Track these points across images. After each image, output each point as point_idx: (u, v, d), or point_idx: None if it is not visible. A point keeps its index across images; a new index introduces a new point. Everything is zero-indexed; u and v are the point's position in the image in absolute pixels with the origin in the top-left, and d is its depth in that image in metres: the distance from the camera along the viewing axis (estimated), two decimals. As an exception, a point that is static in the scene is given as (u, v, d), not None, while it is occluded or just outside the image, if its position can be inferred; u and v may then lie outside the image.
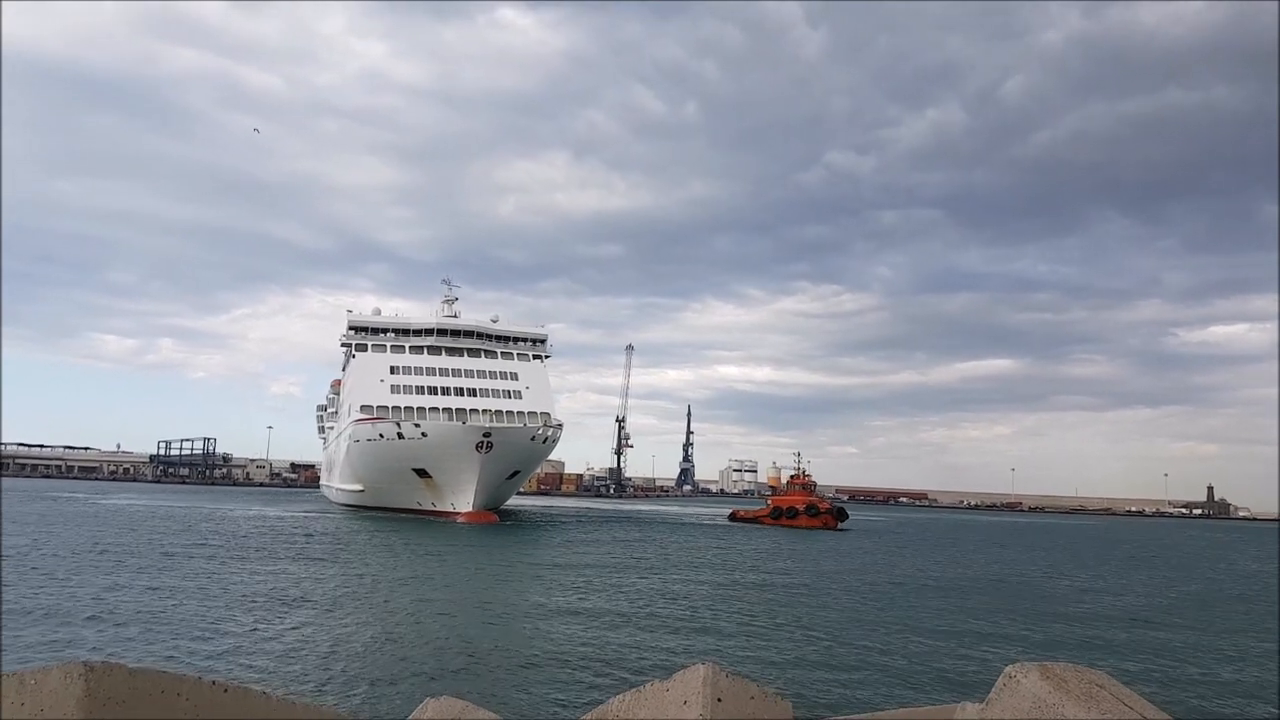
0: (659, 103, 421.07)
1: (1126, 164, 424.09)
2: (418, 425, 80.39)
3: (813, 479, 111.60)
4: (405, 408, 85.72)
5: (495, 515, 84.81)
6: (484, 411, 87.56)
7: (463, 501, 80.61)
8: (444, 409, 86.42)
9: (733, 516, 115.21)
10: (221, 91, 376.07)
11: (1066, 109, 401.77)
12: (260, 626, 24.76)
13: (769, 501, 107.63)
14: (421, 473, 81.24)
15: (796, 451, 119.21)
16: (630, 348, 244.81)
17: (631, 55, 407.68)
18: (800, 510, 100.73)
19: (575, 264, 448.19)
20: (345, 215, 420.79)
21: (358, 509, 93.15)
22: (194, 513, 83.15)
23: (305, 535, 60.13)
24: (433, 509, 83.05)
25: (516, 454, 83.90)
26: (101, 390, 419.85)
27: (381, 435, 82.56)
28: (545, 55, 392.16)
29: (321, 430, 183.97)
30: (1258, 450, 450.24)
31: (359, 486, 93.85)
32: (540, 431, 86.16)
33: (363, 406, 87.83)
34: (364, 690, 18.07)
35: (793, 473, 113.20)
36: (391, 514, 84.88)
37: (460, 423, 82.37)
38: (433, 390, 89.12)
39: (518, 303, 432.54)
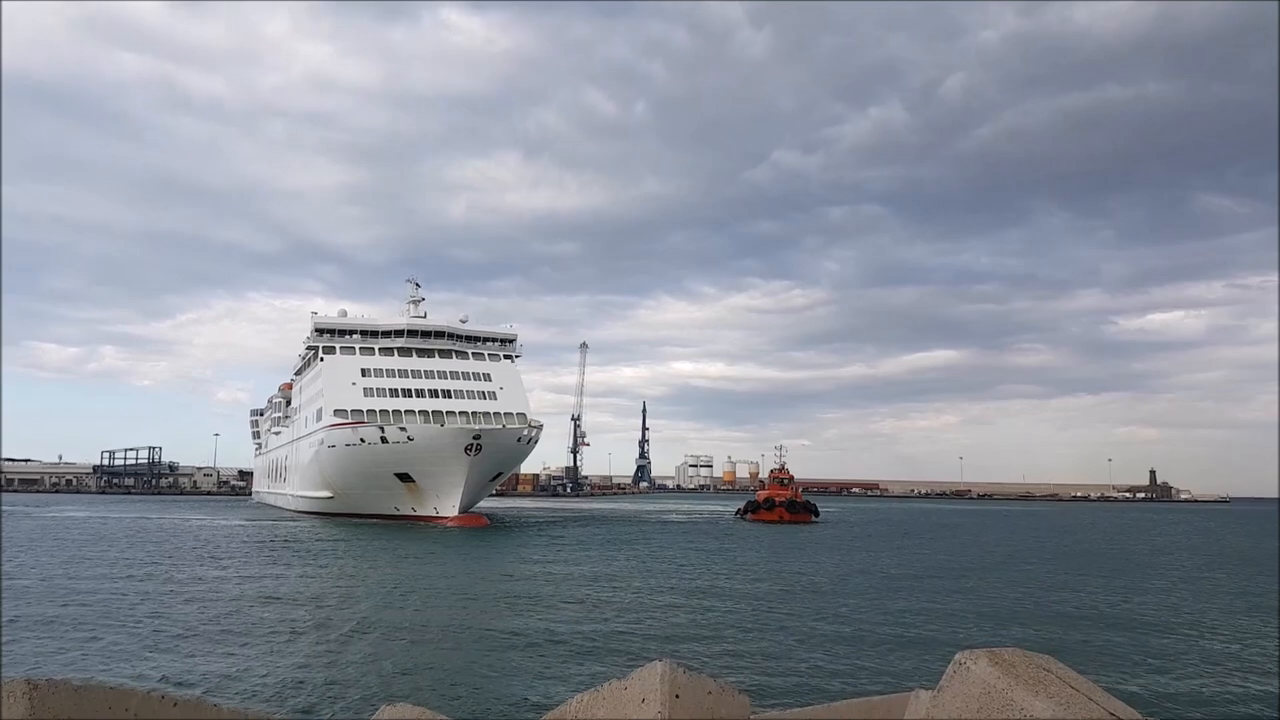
0: (609, 102, 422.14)
1: (1066, 158, 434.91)
2: (403, 429, 78.80)
3: (790, 473, 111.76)
4: (381, 411, 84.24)
5: (485, 518, 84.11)
6: (461, 413, 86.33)
7: (447, 505, 79.44)
8: (419, 411, 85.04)
9: (743, 513, 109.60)
10: (163, 95, 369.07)
11: (1006, 105, 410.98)
12: (276, 652, 24.30)
13: (771, 496, 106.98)
14: (404, 477, 79.75)
15: (778, 445, 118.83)
16: (584, 346, 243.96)
17: (580, 56, 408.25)
18: (780, 503, 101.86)
19: (530, 262, 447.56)
20: (293, 217, 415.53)
21: (324, 516, 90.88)
22: (151, 523, 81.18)
23: (285, 542, 58.85)
24: (412, 514, 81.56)
25: (502, 455, 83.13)
26: (42, 400, 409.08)
27: (363, 440, 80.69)
28: (494, 55, 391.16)
29: (256, 435, 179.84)
30: (1196, 434, 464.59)
31: (327, 493, 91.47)
32: (525, 432, 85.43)
33: (336, 410, 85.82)
34: (333, 697, 17.82)
35: (774, 467, 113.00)
36: (365, 520, 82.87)
37: (438, 425, 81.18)
38: (406, 393, 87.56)
39: (472, 303, 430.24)
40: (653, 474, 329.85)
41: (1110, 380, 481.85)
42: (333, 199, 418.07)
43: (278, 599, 32.51)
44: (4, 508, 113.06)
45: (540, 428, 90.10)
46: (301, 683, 19.02)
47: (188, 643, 23.55)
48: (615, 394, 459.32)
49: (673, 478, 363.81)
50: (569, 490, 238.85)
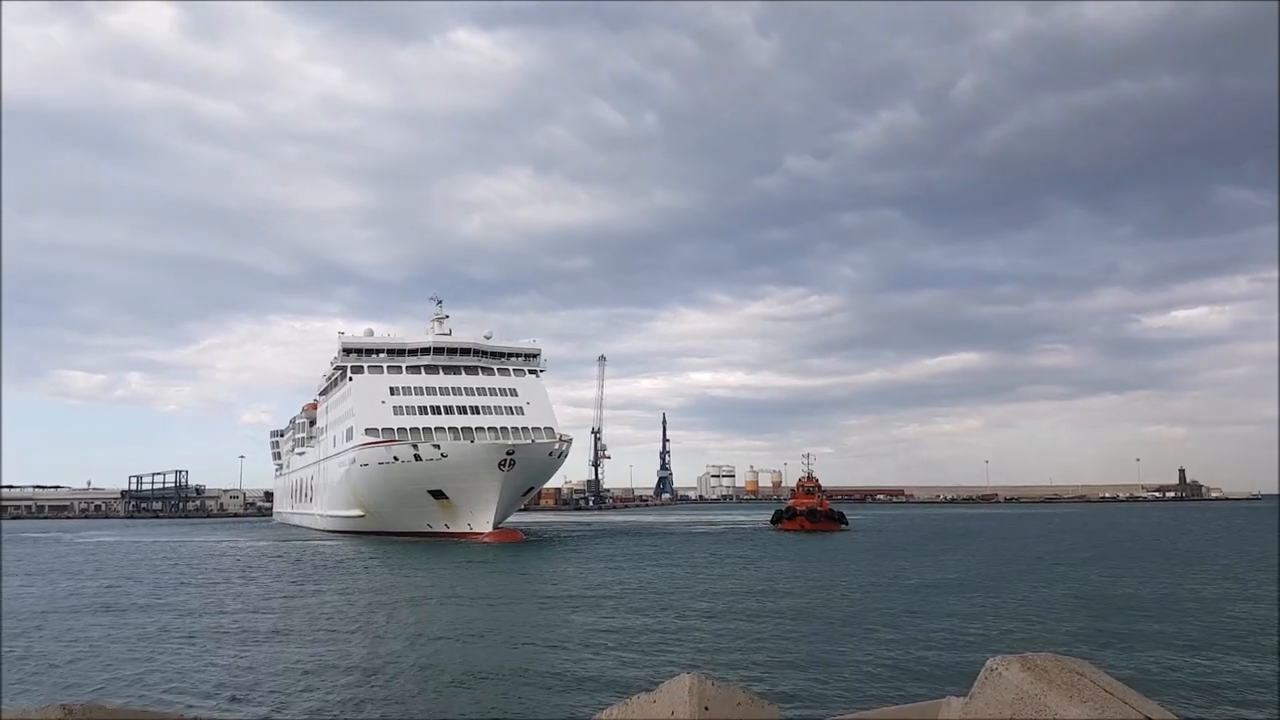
0: (617, 115, 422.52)
1: (1079, 156, 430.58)
2: (437, 446, 79.32)
3: (817, 480, 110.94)
4: (411, 429, 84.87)
5: (520, 533, 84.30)
6: (490, 429, 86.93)
7: (481, 521, 79.75)
8: (449, 428, 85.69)
9: (775, 521, 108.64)
10: (180, 122, 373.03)
11: (1017, 105, 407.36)
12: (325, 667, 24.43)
13: (793, 506, 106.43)
14: (437, 494, 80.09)
15: (806, 453, 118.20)
16: (602, 359, 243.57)
17: (587, 70, 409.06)
18: (801, 512, 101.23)
19: (544, 278, 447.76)
20: (311, 239, 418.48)
21: (355, 535, 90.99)
22: (183, 547, 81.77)
23: (325, 561, 59.23)
24: (446, 530, 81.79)
25: (534, 470, 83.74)
26: (70, 427, 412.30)
27: (396, 458, 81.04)
28: (502, 74, 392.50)
29: (277, 457, 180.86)
30: (1225, 431, 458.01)
31: (358, 511, 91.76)
32: (556, 446, 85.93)
33: (367, 429, 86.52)
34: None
35: (802, 476, 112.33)
36: (399, 538, 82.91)
37: (468, 441, 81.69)
38: (435, 410, 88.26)
39: (489, 319, 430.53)
40: (674, 485, 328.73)
41: (1135, 379, 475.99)
42: (348, 220, 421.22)
43: (324, 616, 32.91)
44: (35, 534, 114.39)
45: (570, 441, 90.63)
46: (343, 698, 19.09)
47: (227, 659, 23.72)
48: (634, 406, 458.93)
49: (695, 488, 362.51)
50: (591, 504, 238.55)
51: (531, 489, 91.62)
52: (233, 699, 19.42)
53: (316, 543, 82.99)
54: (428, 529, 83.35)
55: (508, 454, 77.09)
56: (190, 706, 17.26)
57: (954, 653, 23.77)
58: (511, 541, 78.27)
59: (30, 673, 22.56)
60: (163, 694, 19.80)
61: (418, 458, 79.36)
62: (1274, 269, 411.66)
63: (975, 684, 4.23)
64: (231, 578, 49.31)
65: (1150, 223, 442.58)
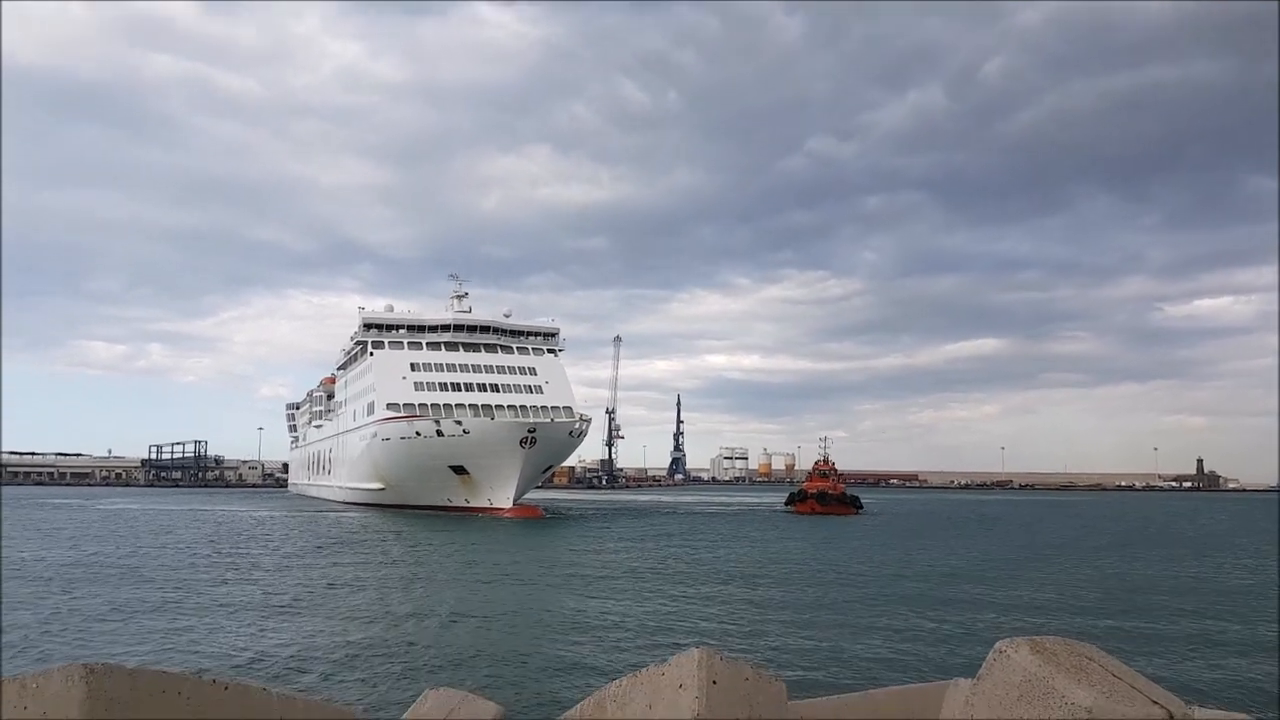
0: (641, 93, 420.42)
1: (1109, 141, 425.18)
2: (459, 423, 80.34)
3: (833, 464, 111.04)
4: (432, 405, 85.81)
5: (540, 510, 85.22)
6: (510, 407, 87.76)
7: (501, 497, 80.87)
8: (469, 405, 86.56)
9: (788, 503, 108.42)
10: (198, 96, 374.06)
11: (1047, 88, 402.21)
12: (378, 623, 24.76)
13: (804, 489, 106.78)
14: (458, 469, 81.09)
15: (822, 436, 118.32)
16: (618, 339, 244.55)
17: (611, 46, 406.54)
18: (811, 495, 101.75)
19: (561, 258, 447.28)
20: (328, 216, 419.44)
21: (375, 507, 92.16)
22: (210, 516, 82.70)
23: (349, 533, 59.88)
24: (465, 505, 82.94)
25: (554, 448, 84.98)
26: (92, 397, 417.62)
27: (418, 433, 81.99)
28: (524, 49, 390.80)
29: (293, 429, 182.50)
30: (1246, 422, 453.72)
31: (378, 485, 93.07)
32: (576, 426, 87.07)
33: (389, 404, 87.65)
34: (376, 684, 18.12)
35: (818, 459, 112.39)
36: (418, 511, 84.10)
37: (488, 419, 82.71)
38: (456, 387, 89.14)
39: (506, 298, 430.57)
40: (687, 466, 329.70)
41: (1156, 368, 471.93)
42: (365, 197, 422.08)
43: (344, 585, 33.35)
44: (57, 500, 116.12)
45: (589, 421, 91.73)
46: (352, 664, 19.35)
47: (249, 625, 24.11)
48: (649, 387, 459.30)
49: (707, 470, 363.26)
50: (604, 483, 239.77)
51: (551, 467, 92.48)
52: (251, 662, 19.75)
53: (344, 515, 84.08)
54: (448, 503, 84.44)
55: (529, 432, 78.09)
56: (205, 671, 17.53)
57: (962, 640, 23.80)
58: (533, 518, 79.09)
59: (54, 633, 22.97)
60: (182, 655, 20.15)
61: (440, 434, 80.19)
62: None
63: (984, 666, 4.27)
64: (252, 547, 49.92)
65: (1178, 211, 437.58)
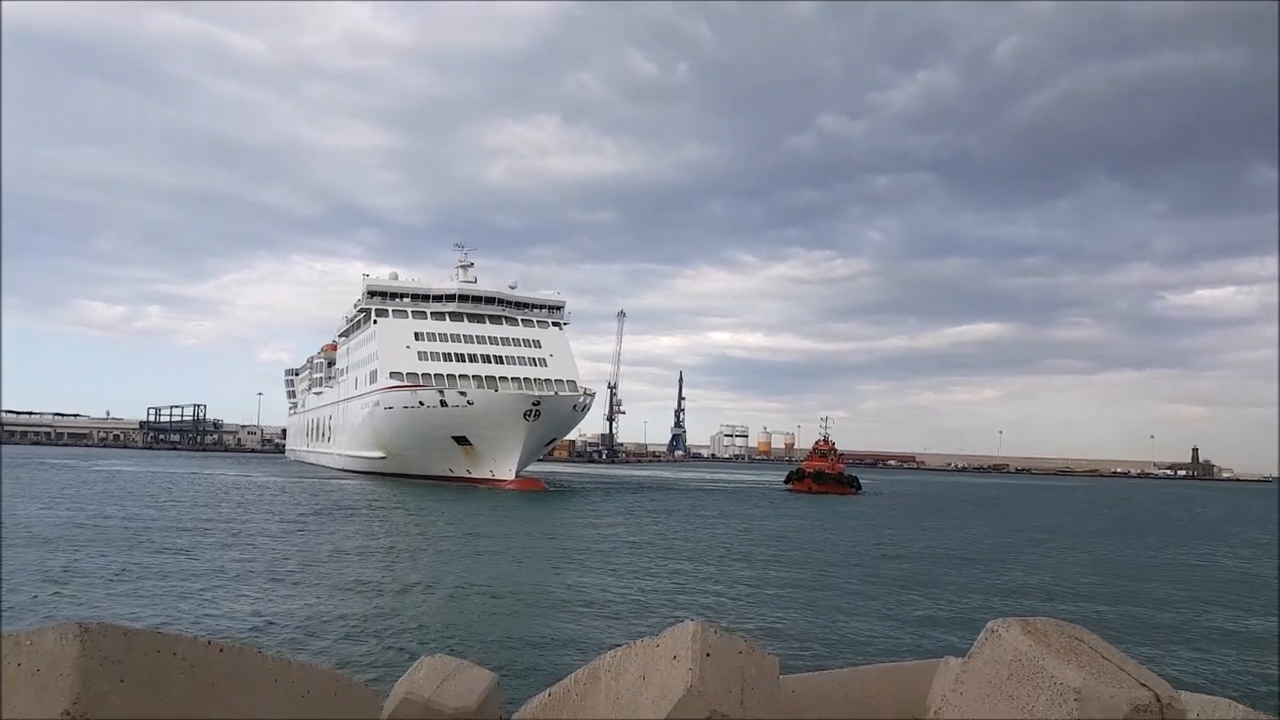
0: (650, 64, 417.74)
1: (1119, 127, 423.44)
2: (463, 393, 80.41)
3: (833, 444, 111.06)
4: (435, 375, 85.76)
5: (542, 482, 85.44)
6: (513, 379, 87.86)
7: (504, 469, 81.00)
8: (473, 376, 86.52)
9: (788, 480, 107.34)
10: (204, 55, 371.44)
11: (1059, 71, 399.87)
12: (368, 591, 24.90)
13: (802, 467, 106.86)
14: (461, 440, 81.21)
15: (823, 416, 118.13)
16: (622, 314, 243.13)
17: (621, 14, 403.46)
18: (809, 474, 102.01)
19: (567, 230, 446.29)
20: (333, 180, 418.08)
21: (376, 476, 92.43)
22: (209, 480, 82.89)
23: (350, 502, 60.22)
24: (467, 475, 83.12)
25: (558, 421, 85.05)
26: (90, 357, 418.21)
27: (422, 403, 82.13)
28: (533, 15, 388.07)
29: (292, 395, 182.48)
30: (1244, 413, 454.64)
31: (379, 453, 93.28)
32: (580, 400, 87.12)
33: (392, 373, 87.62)
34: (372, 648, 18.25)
35: (818, 439, 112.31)
36: (419, 480, 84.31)
37: (492, 390, 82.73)
38: (459, 357, 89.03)
39: (510, 269, 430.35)
40: (688, 443, 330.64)
41: (1156, 356, 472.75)
42: (371, 162, 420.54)
43: (347, 552, 33.52)
44: (53, 460, 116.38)
45: (593, 395, 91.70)
46: (349, 632, 19.49)
47: (251, 589, 24.26)
48: (651, 363, 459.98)
49: (708, 447, 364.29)
50: (604, 457, 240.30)
51: (553, 440, 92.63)
52: (252, 629, 19.87)
53: (343, 482, 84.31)
54: (449, 473, 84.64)
55: (534, 404, 78.02)
56: (202, 632, 17.66)
57: (954, 620, 23.96)
58: (535, 490, 79.32)
59: (45, 596, 23.11)
60: (180, 619, 20.28)
61: (444, 404, 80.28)
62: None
63: (975, 645, 4.29)
64: (253, 512, 50.10)
65: (1185, 199, 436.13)
